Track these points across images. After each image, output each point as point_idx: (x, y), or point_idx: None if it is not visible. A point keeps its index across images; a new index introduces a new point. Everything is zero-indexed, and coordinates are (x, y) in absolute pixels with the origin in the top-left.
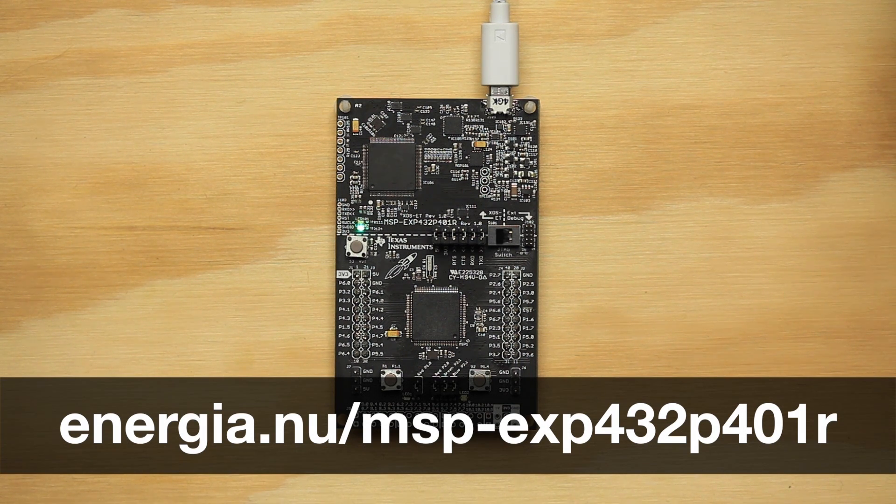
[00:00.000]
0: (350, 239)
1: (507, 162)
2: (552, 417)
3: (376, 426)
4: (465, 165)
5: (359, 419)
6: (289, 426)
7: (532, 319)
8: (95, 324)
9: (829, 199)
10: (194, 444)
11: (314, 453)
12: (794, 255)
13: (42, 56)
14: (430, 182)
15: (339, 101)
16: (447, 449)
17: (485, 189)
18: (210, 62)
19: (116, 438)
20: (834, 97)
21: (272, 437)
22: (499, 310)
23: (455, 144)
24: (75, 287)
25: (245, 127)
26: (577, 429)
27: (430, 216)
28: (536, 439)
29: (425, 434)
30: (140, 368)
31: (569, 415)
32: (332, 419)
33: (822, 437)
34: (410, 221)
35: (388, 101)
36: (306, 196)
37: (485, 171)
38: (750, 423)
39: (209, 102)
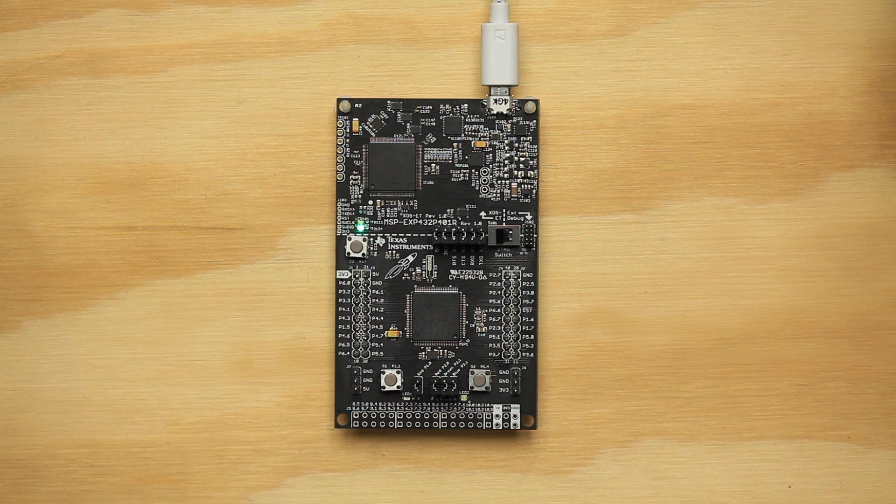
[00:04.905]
0: (350, 239)
1: (507, 162)
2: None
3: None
4: (465, 165)
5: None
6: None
7: (532, 319)
8: (95, 324)
9: (829, 199)
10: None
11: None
12: (794, 255)
13: (42, 56)
14: (430, 182)
15: (339, 101)
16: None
17: (485, 189)
18: (210, 62)
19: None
20: (834, 97)
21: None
22: (499, 310)
23: (455, 144)
24: (75, 287)
25: (245, 127)
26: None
27: (430, 216)
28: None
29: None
30: (140, 368)
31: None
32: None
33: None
34: (410, 221)
35: (388, 101)
36: (306, 196)
37: (485, 171)
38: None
39: (209, 102)
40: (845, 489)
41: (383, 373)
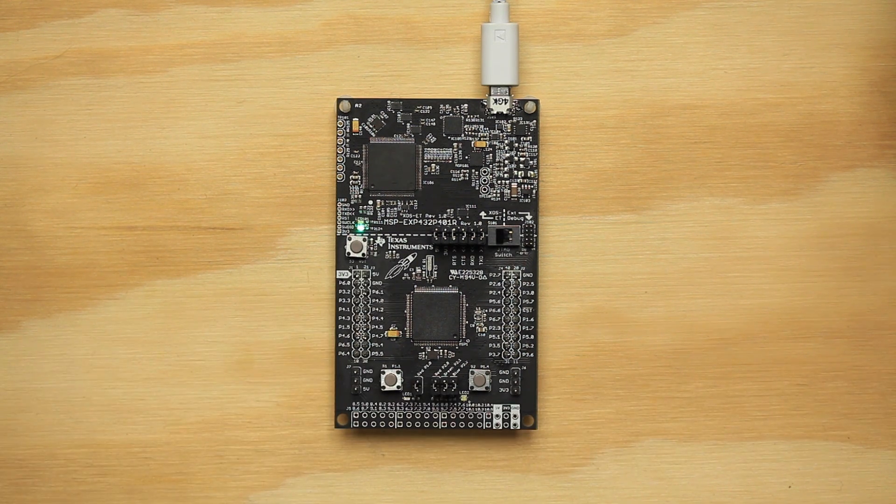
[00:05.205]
0: (350, 239)
1: (507, 162)
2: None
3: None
4: (465, 165)
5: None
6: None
7: (532, 319)
8: (95, 324)
9: (829, 199)
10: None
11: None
12: (794, 255)
13: (42, 56)
14: (430, 182)
15: (339, 101)
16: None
17: (485, 189)
18: (210, 62)
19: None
20: (834, 97)
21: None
22: (499, 310)
23: (455, 144)
24: (75, 287)
25: (245, 127)
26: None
27: (430, 216)
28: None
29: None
30: (140, 368)
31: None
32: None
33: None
34: (410, 221)
35: (388, 101)
36: (306, 196)
37: (485, 171)
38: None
39: (209, 102)
40: (845, 489)
41: (383, 373)
